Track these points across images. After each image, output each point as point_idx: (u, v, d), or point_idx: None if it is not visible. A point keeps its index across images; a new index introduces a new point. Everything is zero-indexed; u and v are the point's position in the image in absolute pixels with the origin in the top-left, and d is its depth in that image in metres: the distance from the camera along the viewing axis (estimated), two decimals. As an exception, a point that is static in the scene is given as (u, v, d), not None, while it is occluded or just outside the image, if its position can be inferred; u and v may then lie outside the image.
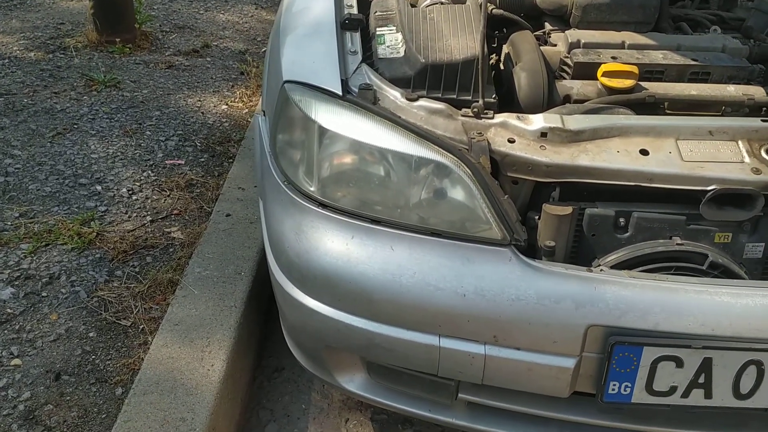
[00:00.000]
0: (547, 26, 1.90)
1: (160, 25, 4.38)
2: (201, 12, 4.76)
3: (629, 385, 1.35)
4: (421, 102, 1.48)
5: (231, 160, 2.82)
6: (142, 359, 1.76)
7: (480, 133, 1.43)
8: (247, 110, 3.34)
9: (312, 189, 1.48)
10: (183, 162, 2.77)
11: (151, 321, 1.94)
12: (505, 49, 1.81)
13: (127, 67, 3.70)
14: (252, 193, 2.52)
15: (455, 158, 1.38)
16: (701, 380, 1.33)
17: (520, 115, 1.46)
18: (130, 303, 2.00)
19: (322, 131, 1.46)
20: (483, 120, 1.46)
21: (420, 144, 1.40)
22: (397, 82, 1.55)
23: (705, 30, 1.91)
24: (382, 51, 1.64)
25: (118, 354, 1.85)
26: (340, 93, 1.48)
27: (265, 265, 2.18)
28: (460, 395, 1.49)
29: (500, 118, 1.46)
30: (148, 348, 1.79)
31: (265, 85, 1.94)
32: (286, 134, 1.57)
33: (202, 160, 2.83)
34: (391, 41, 1.66)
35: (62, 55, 3.77)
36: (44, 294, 2.02)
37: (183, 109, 3.26)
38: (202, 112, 3.25)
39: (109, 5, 3.85)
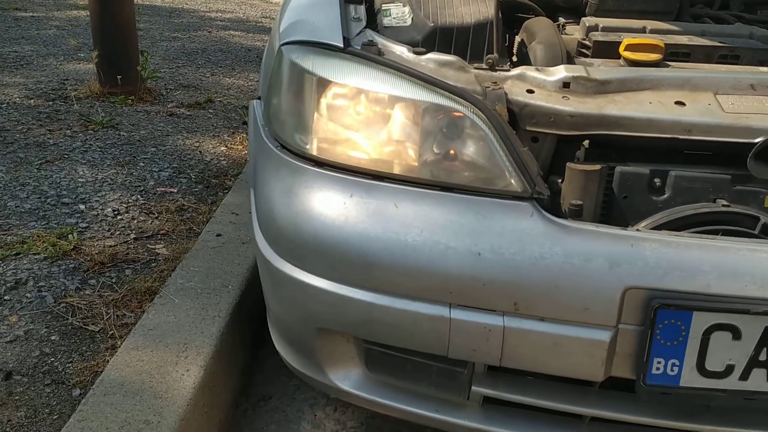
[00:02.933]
0: (561, 19, 1.80)
1: (165, 84, 4.37)
2: (207, 76, 4.77)
3: (677, 363, 1.12)
4: (430, 55, 1.35)
5: (226, 191, 2.67)
6: (108, 362, 1.54)
7: (495, 82, 1.29)
8: (246, 152, 3.22)
9: (307, 146, 1.32)
10: (175, 190, 2.63)
11: (123, 327, 1.72)
12: (518, 38, 1.70)
13: (128, 114, 3.63)
14: (245, 218, 2.35)
15: (469, 104, 1.23)
16: (763, 357, 1.11)
17: (539, 67, 1.32)
18: (101, 310, 1.79)
19: (321, 83, 1.32)
20: (498, 72, 1.32)
21: (430, 90, 1.25)
22: (403, 46, 1.43)
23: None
24: (387, 21, 1.53)
25: (81, 358, 1.62)
26: (342, 47, 1.35)
27: (256, 282, 1.98)
28: (473, 389, 1.26)
29: (517, 70, 1.32)
30: (116, 351, 1.57)
31: (263, 71, 1.82)
32: (280, 95, 1.42)
33: (196, 189, 2.68)
34: (397, 13, 1.56)
35: (62, 103, 3.72)
36: (6, 297, 1.81)
37: (180, 147, 3.15)
38: (200, 151, 3.14)
39: (114, 56, 3.83)
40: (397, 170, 1.25)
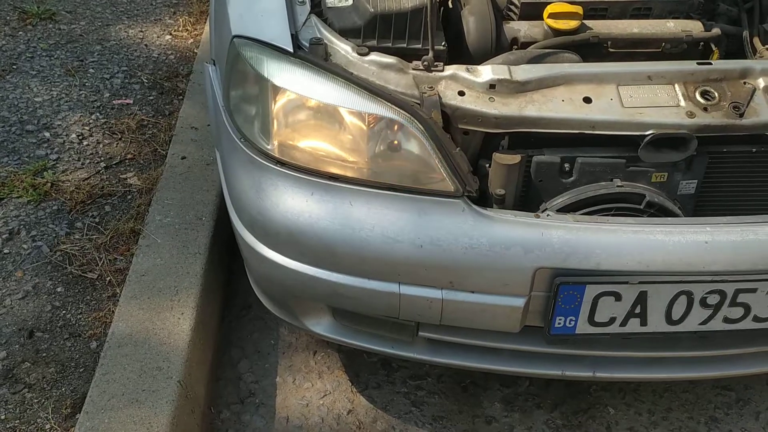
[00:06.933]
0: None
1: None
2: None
3: (573, 318, 1.47)
4: (372, 56, 1.50)
5: (181, 97, 2.78)
6: (113, 312, 1.82)
7: (431, 87, 1.47)
8: (192, 40, 3.24)
9: (269, 147, 1.51)
10: (131, 101, 2.73)
11: (117, 272, 1.98)
12: (453, -11, 1.81)
13: (61, -6, 3.51)
14: (205, 133, 2.51)
15: (408, 115, 1.42)
16: (637, 311, 1.46)
17: (469, 66, 1.50)
18: (94, 255, 2.03)
19: (276, 89, 1.48)
20: (433, 73, 1.49)
21: (373, 101, 1.44)
22: (347, 32, 1.56)
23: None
24: (330, 0, 1.63)
25: (88, 308, 1.90)
26: (291, 49, 1.49)
27: (225, 208, 2.22)
28: (420, 333, 1.60)
29: (450, 70, 1.49)
30: (117, 300, 1.85)
31: (213, 34, 1.91)
32: (239, 91, 1.57)
33: (151, 98, 2.78)
34: (339, -10, 1.65)
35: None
36: (6, 251, 2.03)
37: (125, 41, 3.15)
38: (146, 45, 3.15)
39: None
40: (349, 173, 1.47)
